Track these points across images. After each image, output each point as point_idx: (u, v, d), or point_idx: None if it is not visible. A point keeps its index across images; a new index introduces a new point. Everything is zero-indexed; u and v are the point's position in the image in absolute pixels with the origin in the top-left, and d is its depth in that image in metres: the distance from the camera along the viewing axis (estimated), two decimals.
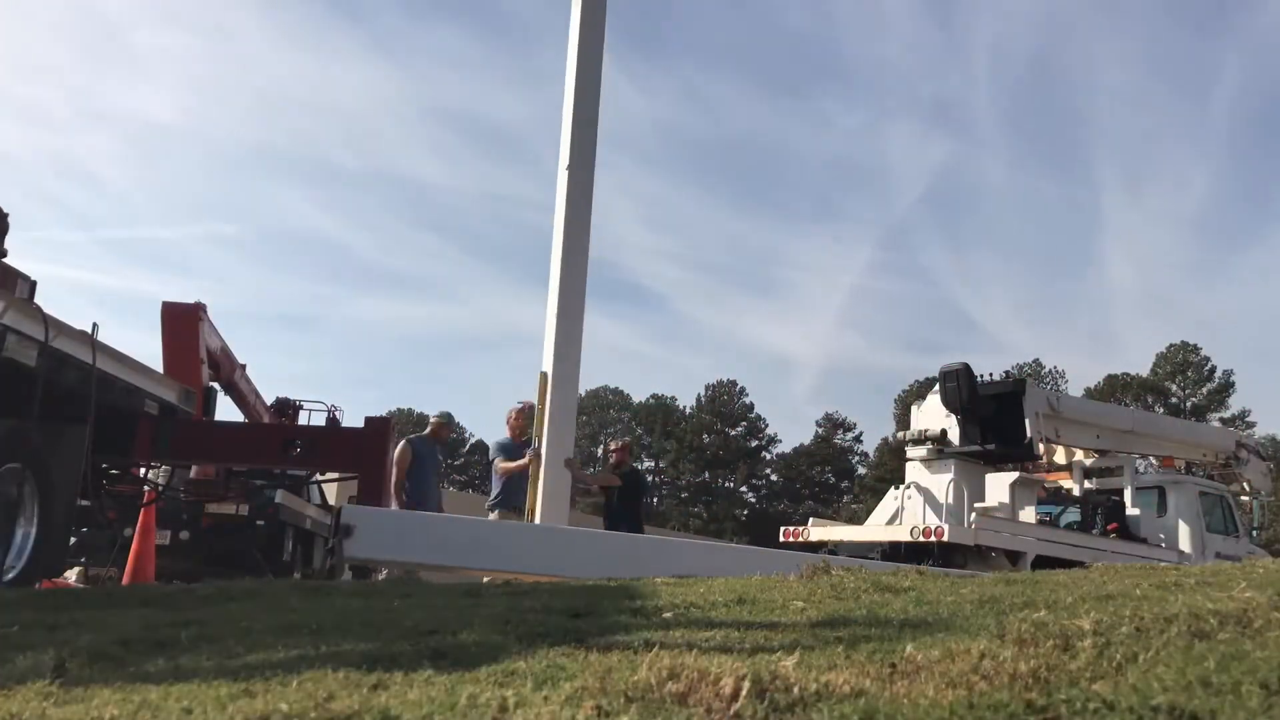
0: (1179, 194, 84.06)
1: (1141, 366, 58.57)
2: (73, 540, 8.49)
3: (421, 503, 8.63)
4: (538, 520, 8.11)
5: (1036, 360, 58.01)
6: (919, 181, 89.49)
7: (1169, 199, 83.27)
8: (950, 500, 11.86)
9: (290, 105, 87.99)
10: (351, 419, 13.32)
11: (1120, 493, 13.61)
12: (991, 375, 13.43)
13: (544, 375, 8.44)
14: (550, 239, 8.68)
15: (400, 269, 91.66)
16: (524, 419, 8.63)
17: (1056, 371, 57.46)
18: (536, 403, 8.45)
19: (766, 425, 65.42)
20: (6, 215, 6.05)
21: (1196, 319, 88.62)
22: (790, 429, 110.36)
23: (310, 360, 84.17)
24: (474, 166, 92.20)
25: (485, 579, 5.95)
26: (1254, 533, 15.15)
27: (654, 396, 66.81)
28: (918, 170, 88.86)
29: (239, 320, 75.02)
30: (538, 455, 8.15)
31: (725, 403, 65.28)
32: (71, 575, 9.86)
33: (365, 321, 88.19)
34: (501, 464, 8.59)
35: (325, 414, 13.18)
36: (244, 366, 12.41)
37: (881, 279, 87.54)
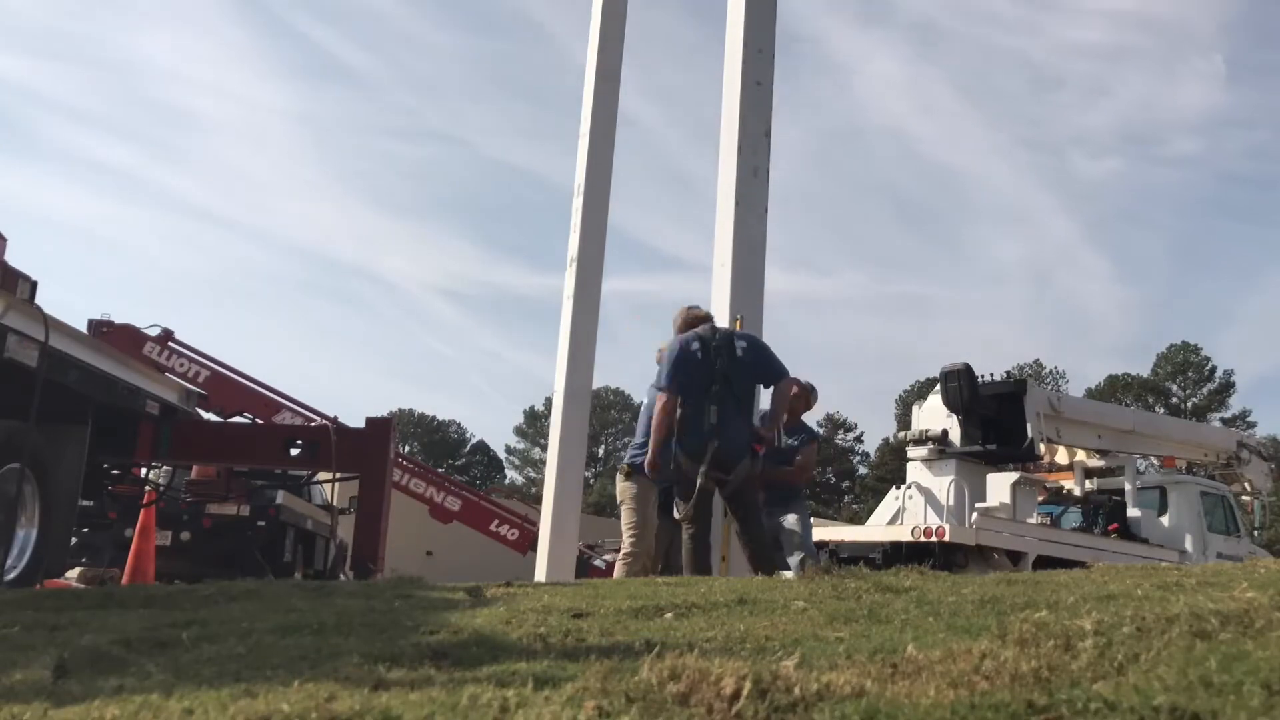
0: None
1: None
2: (73, 540, 8.50)
3: None
4: (548, 521, 8.12)
5: (1037, 360, 58.17)
6: None
7: None
8: (951, 500, 11.86)
9: None
10: None
11: (1121, 493, 13.60)
12: (992, 375, 13.45)
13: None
14: None
15: None
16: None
17: (1057, 372, 57.63)
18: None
19: None
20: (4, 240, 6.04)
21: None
22: None
23: None
24: None
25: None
26: (1255, 533, 15.15)
27: None
28: None
29: None
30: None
31: None
32: (73, 575, 9.87)
33: None
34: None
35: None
36: None
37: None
